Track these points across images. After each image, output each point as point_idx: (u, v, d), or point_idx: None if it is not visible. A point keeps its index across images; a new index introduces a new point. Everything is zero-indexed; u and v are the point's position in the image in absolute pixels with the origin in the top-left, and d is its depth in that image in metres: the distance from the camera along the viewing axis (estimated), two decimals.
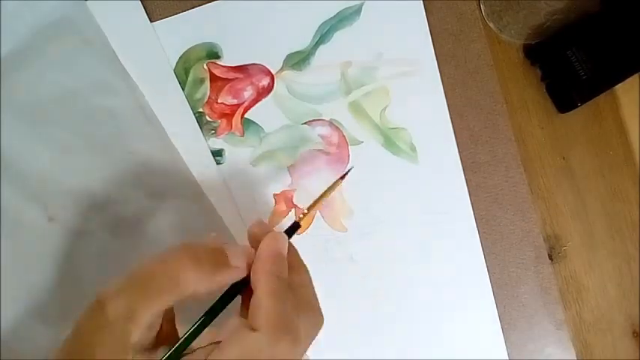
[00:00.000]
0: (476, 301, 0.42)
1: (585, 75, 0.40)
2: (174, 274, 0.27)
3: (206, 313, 0.28)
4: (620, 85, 0.41)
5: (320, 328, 0.30)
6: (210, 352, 0.27)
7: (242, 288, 0.29)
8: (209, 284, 0.28)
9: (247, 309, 0.28)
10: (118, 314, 0.26)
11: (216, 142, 0.42)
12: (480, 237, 0.42)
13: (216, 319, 0.29)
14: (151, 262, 0.28)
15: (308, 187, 0.42)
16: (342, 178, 0.36)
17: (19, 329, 0.39)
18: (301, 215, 0.34)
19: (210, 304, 0.29)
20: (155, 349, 0.28)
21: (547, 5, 0.41)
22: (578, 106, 0.41)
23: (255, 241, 0.31)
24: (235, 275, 0.29)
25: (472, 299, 0.42)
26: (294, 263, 0.31)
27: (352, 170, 0.38)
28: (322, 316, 0.30)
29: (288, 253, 0.31)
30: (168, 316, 0.30)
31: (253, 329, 0.27)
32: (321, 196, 0.34)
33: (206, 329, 0.28)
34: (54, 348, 0.28)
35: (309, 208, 0.34)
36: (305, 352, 0.29)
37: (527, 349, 0.41)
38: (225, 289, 0.29)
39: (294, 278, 0.30)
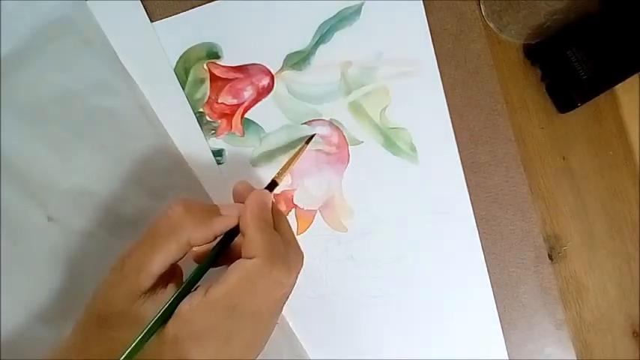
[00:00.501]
0: (476, 301, 0.42)
1: (585, 75, 0.40)
2: (174, 222, 0.31)
3: (206, 258, 0.32)
4: (620, 85, 0.41)
5: (302, 263, 0.34)
6: (210, 286, 0.31)
7: (234, 237, 0.33)
8: (203, 231, 0.32)
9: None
10: (131, 267, 0.31)
11: (217, 142, 0.42)
12: (480, 237, 0.42)
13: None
14: (157, 218, 0.32)
15: (308, 187, 0.42)
16: (308, 142, 0.41)
17: (19, 329, 0.39)
18: (277, 174, 0.38)
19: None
20: (165, 289, 0.32)
21: (547, 5, 0.41)
22: (578, 106, 0.41)
23: (239, 196, 0.35)
24: (226, 223, 0.33)
25: (472, 299, 0.42)
26: (274, 211, 0.35)
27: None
28: (302, 252, 0.34)
29: None
30: (178, 272, 0.34)
31: (250, 258, 0.31)
32: (292, 159, 0.39)
33: None
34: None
35: (282, 170, 0.38)
36: (294, 283, 0.33)
37: (527, 349, 0.42)
38: (220, 238, 0.33)
39: (276, 222, 0.34)
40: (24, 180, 0.40)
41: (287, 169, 0.38)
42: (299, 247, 0.34)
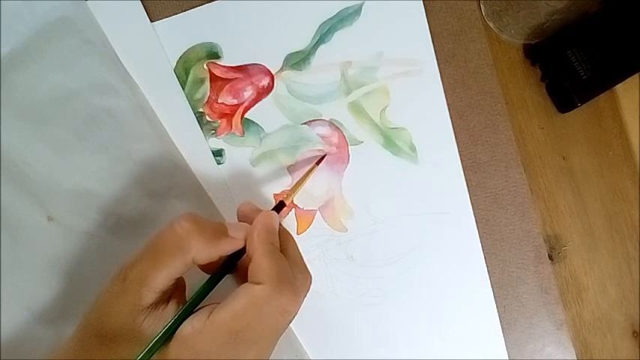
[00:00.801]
0: (476, 301, 0.42)
1: (585, 75, 0.40)
2: (180, 239, 0.31)
3: (210, 279, 0.32)
4: (620, 85, 0.41)
5: (310, 284, 0.34)
6: (213, 308, 0.30)
7: (239, 258, 0.33)
8: (209, 251, 0.31)
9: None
10: (133, 280, 0.30)
11: (217, 142, 0.42)
12: (480, 237, 0.42)
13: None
14: (162, 230, 0.31)
15: (308, 186, 0.42)
16: (318, 163, 0.40)
17: (19, 329, 0.39)
18: (285, 195, 0.38)
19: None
20: (167, 305, 0.31)
21: (547, 5, 0.41)
22: (578, 106, 0.41)
23: (244, 218, 0.35)
24: (233, 245, 0.32)
25: (472, 299, 0.42)
26: (281, 232, 0.34)
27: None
28: (310, 273, 0.34)
29: None
30: (181, 285, 0.33)
31: (257, 284, 0.30)
32: (301, 181, 0.39)
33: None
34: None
35: (290, 191, 0.39)
36: (301, 304, 0.32)
37: (527, 349, 0.41)
38: (225, 258, 0.33)
39: (283, 244, 0.34)
40: (24, 180, 0.40)
41: (296, 190, 0.38)
42: (306, 269, 0.34)
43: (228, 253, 0.33)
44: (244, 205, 0.36)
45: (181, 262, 0.30)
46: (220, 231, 0.32)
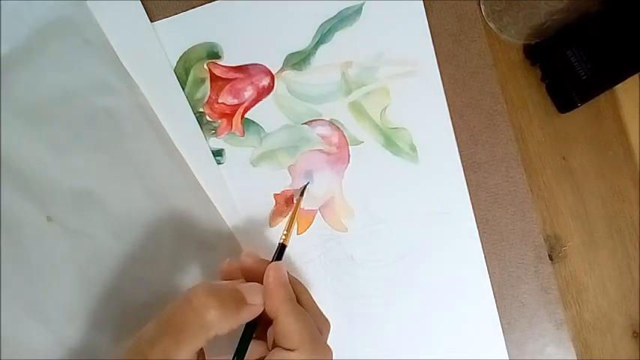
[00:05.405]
0: (476, 301, 0.42)
1: (585, 75, 0.40)
2: (201, 315, 0.29)
3: (235, 355, 0.31)
4: (620, 85, 0.41)
5: (329, 330, 0.34)
6: None
7: (256, 324, 0.32)
8: (231, 323, 0.30)
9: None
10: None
11: (217, 142, 0.42)
12: (480, 237, 0.42)
13: None
14: (179, 304, 0.30)
15: (309, 187, 0.42)
16: (302, 195, 0.41)
17: (19, 329, 0.39)
18: (283, 236, 0.37)
19: (235, 345, 0.32)
20: None
21: (547, 5, 0.41)
22: (578, 106, 0.41)
23: (249, 272, 0.34)
24: (254, 312, 0.31)
25: (472, 299, 0.42)
26: (292, 282, 0.34)
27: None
28: (327, 319, 0.34)
29: None
30: (201, 355, 0.32)
31: (290, 350, 0.30)
32: (292, 217, 0.38)
33: None
34: None
35: (287, 229, 0.37)
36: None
37: (528, 349, 0.42)
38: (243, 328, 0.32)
39: (298, 294, 0.33)
40: (23, 180, 0.40)
41: (290, 228, 0.38)
42: (324, 316, 0.34)
43: (248, 320, 0.32)
44: (247, 258, 0.35)
45: (204, 338, 0.29)
46: (238, 299, 0.31)
